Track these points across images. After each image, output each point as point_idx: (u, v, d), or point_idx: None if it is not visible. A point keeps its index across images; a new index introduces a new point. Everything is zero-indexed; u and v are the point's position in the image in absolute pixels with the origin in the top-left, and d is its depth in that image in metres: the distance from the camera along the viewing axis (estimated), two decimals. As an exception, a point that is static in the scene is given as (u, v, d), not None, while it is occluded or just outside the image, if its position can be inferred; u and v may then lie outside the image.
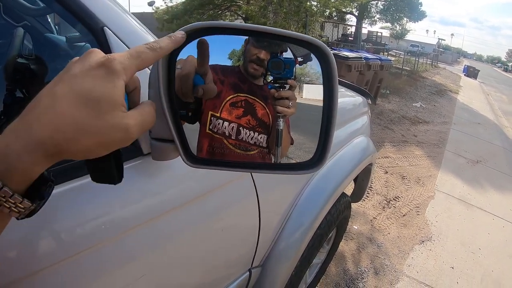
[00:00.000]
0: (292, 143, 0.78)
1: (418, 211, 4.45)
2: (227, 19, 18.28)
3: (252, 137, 0.77)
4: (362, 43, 28.38)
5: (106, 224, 0.82)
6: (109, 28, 0.87)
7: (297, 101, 0.74)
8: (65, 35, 1.36)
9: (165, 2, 19.38)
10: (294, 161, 0.79)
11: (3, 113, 0.78)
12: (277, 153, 0.78)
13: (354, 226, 3.77)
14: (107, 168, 0.61)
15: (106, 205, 0.83)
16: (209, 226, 1.08)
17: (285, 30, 0.69)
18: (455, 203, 4.93)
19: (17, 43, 0.88)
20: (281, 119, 0.76)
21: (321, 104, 0.74)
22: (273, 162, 0.79)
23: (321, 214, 1.69)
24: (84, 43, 1.12)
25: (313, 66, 0.73)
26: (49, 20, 1.55)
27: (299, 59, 0.73)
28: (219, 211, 1.10)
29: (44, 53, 1.00)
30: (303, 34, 0.70)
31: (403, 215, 4.28)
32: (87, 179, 0.76)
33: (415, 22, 36.77)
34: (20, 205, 0.46)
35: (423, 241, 3.76)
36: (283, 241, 1.48)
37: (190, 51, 0.67)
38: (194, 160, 0.73)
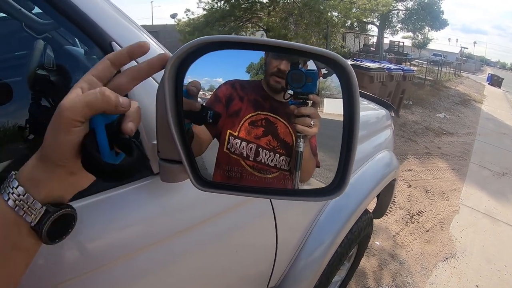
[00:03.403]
0: (318, 166, 0.73)
1: (442, 226, 4.35)
2: (248, 31, 18.37)
3: (272, 159, 0.72)
4: (384, 53, 28.17)
5: (117, 243, 0.83)
6: (117, 43, 0.85)
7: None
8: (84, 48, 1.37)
9: (187, 15, 19.60)
10: (311, 187, 0.74)
11: (28, 121, 0.81)
12: (296, 178, 0.73)
13: (376, 242, 3.71)
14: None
15: (117, 224, 0.83)
16: (222, 245, 1.06)
17: (297, 43, 0.63)
18: (480, 217, 4.80)
19: (37, 55, 0.90)
20: (302, 140, 0.70)
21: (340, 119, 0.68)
22: (290, 187, 0.74)
23: (342, 233, 1.65)
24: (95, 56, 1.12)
25: (334, 79, 0.67)
26: None
27: (323, 71, 0.67)
28: (233, 230, 1.09)
29: (64, 65, 1.00)
30: (316, 47, 0.64)
31: (427, 231, 4.19)
32: (93, 198, 0.79)
33: (437, 31, 36.38)
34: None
35: (447, 258, 3.67)
36: (302, 260, 1.45)
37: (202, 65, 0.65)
38: (204, 183, 0.69)
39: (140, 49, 0.62)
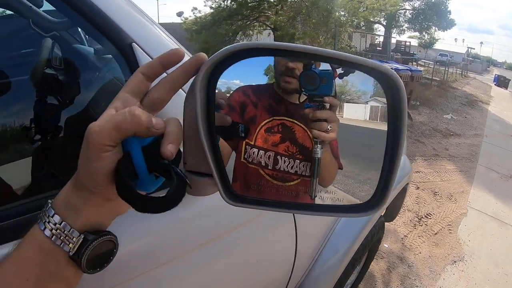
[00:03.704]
0: (341, 168, 0.67)
1: (450, 229, 4.34)
2: (256, 29, 18.35)
3: (292, 165, 0.67)
4: (391, 53, 28.05)
5: (141, 255, 0.82)
6: (137, 44, 0.82)
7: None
8: (94, 46, 1.31)
9: (193, 13, 19.57)
10: (343, 202, 0.69)
11: (32, 120, 0.79)
12: (313, 185, 0.68)
13: (384, 245, 3.71)
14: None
15: (141, 236, 0.82)
16: (245, 255, 1.06)
17: (344, 54, 0.58)
18: (488, 220, 4.79)
19: (45, 54, 0.87)
20: (319, 146, 0.65)
21: (365, 125, 0.65)
22: (325, 204, 0.68)
23: (358, 241, 1.65)
24: (111, 56, 1.07)
25: (355, 83, 0.62)
26: (80, 29, 1.49)
27: (339, 70, 0.61)
28: (255, 239, 1.08)
29: (72, 64, 0.97)
30: (366, 59, 0.57)
31: (435, 233, 4.19)
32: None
33: (444, 31, 36.22)
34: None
35: (455, 261, 3.67)
36: (319, 267, 1.45)
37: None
38: (236, 198, 0.65)
39: (174, 57, 0.58)
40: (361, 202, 0.67)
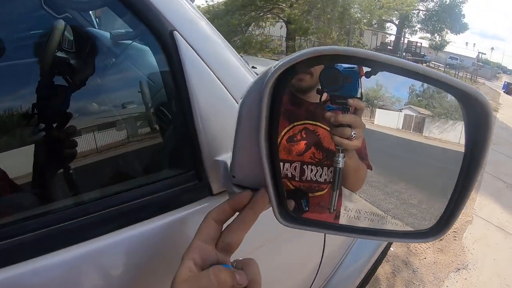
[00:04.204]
0: (370, 169, 0.63)
1: (455, 236, 4.33)
2: (268, 21, 18.24)
3: (321, 173, 0.63)
4: (405, 53, 27.84)
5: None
6: (179, 33, 0.75)
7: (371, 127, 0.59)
8: (109, 31, 1.17)
9: (206, 1, 19.44)
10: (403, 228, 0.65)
11: (35, 105, 0.72)
12: (333, 199, 0.64)
13: (391, 248, 3.73)
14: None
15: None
16: (273, 259, 1.03)
17: (432, 70, 0.52)
18: (493, 230, 4.78)
19: (57, 36, 0.81)
20: (341, 154, 0.58)
21: (399, 134, 0.62)
22: (383, 228, 0.65)
23: (379, 249, 1.66)
24: (131, 41, 1.00)
25: (389, 88, 0.58)
26: (90, 12, 1.42)
27: (366, 68, 0.54)
28: (286, 247, 1.06)
29: (85, 48, 0.89)
30: (458, 80, 0.53)
31: (440, 240, 4.19)
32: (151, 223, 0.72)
33: (456, 34, 36.04)
34: None
35: (458, 269, 3.67)
36: (341, 273, 1.45)
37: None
38: (289, 217, 0.60)
39: (244, 200, 0.58)
40: (423, 229, 0.64)
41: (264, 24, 17.98)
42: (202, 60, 0.79)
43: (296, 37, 17.63)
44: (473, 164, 0.57)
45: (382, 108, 0.59)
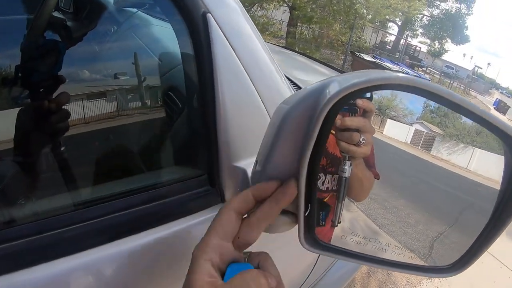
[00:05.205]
0: (377, 178, 0.56)
1: (431, 245, 4.39)
2: (273, 4, 17.98)
3: (323, 181, 0.54)
4: (403, 56, 28.04)
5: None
6: (213, 17, 0.66)
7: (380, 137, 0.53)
8: None
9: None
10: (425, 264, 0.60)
11: (22, 66, 0.61)
12: (338, 211, 0.56)
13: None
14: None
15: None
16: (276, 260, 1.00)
17: (480, 109, 0.50)
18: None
19: None
20: (347, 162, 0.52)
21: (406, 148, 0.57)
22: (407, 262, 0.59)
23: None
24: (136, 10, 0.92)
25: (403, 99, 0.53)
26: None
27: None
28: (287, 245, 1.00)
29: (84, 10, 0.79)
30: (504, 122, 0.49)
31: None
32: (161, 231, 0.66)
33: (457, 45, 36.21)
34: None
35: (431, 278, 3.72)
36: (334, 273, 1.45)
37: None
38: (314, 242, 0.54)
39: (269, 190, 0.51)
40: (444, 265, 0.60)
41: (268, 7, 17.71)
42: (236, 54, 0.70)
43: (298, 24, 17.50)
44: (508, 208, 0.52)
45: (393, 119, 0.54)
